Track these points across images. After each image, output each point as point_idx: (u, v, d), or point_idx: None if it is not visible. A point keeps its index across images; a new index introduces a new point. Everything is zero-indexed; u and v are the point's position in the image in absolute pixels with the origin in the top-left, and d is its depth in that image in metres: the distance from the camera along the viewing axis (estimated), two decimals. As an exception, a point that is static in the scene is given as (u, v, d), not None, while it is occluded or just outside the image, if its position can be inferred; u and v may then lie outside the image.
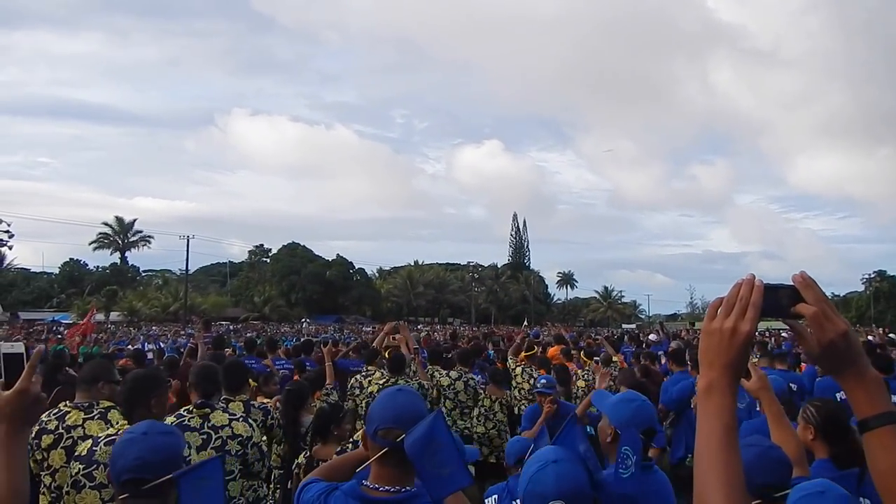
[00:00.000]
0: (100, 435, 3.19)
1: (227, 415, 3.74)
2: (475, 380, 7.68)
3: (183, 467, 2.04)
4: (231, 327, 43.97)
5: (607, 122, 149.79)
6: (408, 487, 1.95)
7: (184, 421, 3.60)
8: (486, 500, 3.73)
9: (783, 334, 23.41)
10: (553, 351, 11.10)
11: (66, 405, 3.61)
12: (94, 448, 3.08)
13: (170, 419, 3.60)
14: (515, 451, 3.71)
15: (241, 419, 3.78)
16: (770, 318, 1.17)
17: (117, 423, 3.50)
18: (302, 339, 16.66)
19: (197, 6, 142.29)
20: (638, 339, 18.11)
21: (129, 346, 19.61)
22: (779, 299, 1.16)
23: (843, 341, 1.13)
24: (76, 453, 3.13)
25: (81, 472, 3.03)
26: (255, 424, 3.87)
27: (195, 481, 1.88)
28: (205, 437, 3.57)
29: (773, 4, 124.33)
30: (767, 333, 26.68)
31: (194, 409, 3.67)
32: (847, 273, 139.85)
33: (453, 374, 7.59)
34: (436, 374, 7.79)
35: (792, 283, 1.16)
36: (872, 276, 72.98)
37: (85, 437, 3.41)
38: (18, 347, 1.77)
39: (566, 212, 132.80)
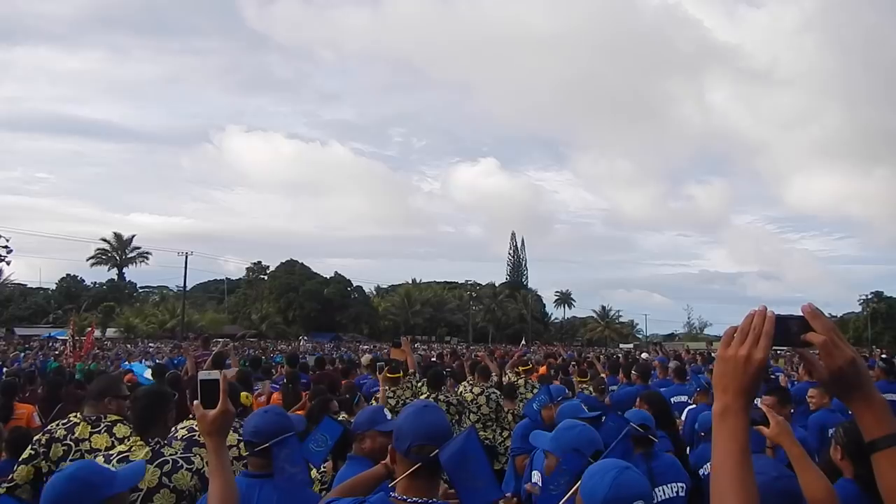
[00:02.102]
0: (111, 452, 3.18)
1: (236, 435, 3.76)
2: (497, 394, 7.84)
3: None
4: (233, 344, 43.80)
5: (604, 142, 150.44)
6: (434, 500, 2.05)
7: (195, 436, 3.62)
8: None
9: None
10: (542, 371, 11.73)
11: (75, 416, 3.62)
12: (106, 465, 3.08)
13: (182, 432, 3.63)
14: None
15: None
16: (781, 346, 1.25)
17: (123, 436, 3.51)
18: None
19: (196, 24, 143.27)
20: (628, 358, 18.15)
21: (127, 364, 19.55)
22: (789, 329, 1.23)
23: (852, 368, 1.21)
24: None
25: None
26: None
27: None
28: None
29: (770, 24, 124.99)
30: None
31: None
32: (844, 294, 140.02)
33: (476, 389, 7.77)
34: (460, 388, 8.04)
35: (801, 314, 1.23)
36: (870, 296, 73.10)
37: (91, 451, 3.43)
38: (214, 374, 2.08)
39: (563, 231, 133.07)
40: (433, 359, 18.35)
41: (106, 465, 2.42)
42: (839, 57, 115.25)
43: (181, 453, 3.20)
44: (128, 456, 3.08)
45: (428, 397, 6.89)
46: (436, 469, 2.03)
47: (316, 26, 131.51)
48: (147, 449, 3.11)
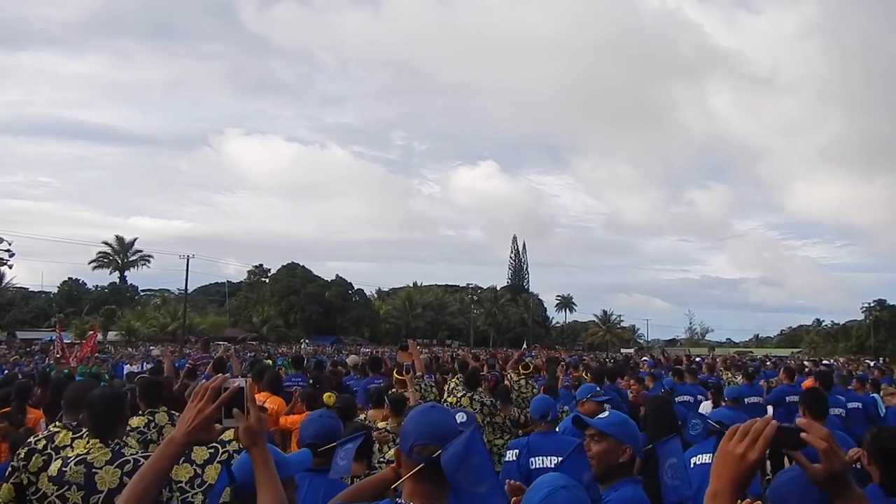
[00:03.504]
0: (69, 455, 3.13)
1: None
2: (489, 399, 7.80)
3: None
4: (234, 348, 43.80)
5: (605, 146, 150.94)
6: None
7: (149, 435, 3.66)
8: (506, 453, 4.46)
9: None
10: (545, 372, 11.76)
11: (55, 426, 3.52)
12: (64, 469, 3.05)
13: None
14: (540, 408, 4.73)
15: None
16: (780, 447, 1.42)
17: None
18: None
19: (198, 28, 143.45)
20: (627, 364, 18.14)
21: (128, 367, 19.55)
22: (789, 436, 1.41)
23: (845, 471, 1.42)
24: (49, 474, 3.08)
25: (55, 494, 3.01)
26: None
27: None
28: (212, 451, 3.64)
29: (771, 30, 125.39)
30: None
31: None
32: (847, 302, 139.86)
33: (459, 392, 7.70)
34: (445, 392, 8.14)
35: (799, 426, 1.42)
36: (872, 304, 72.60)
37: (71, 458, 3.40)
38: (239, 382, 1.97)
39: (564, 235, 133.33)
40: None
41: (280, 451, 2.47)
42: (841, 63, 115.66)
43: (141, 452, 3.23)
44: (86, 457, 3.08)
45: (464, 396, 7.17)
46: (441, 472, 1.88)
47: (316, 30, 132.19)
48: (107, 450, 3.13)
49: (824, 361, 30.08)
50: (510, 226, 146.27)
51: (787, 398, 8.76)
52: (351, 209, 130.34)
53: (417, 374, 8.24)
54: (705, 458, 4.70)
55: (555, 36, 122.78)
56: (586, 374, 10.79)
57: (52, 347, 18.34)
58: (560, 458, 4.24)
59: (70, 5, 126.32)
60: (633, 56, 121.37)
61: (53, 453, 3.41)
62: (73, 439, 3.49)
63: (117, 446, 3.16)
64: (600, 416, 2.91)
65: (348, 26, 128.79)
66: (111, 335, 57.67)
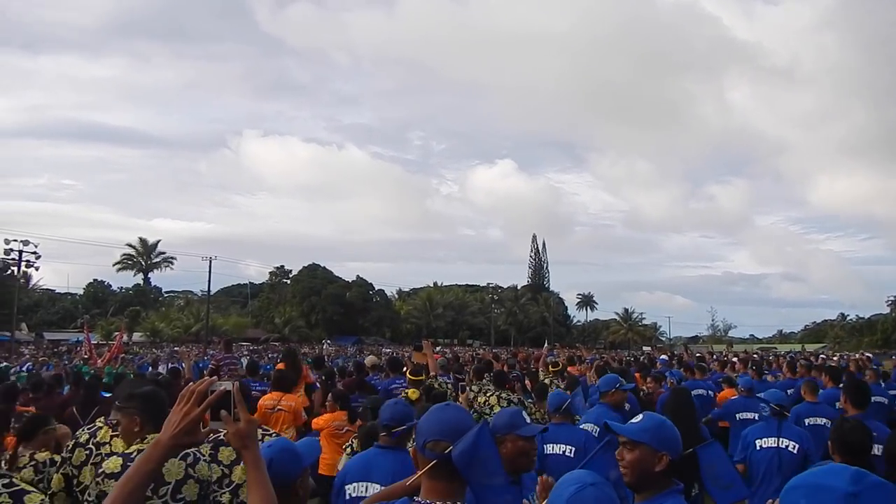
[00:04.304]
0: (129, 451, 3.22)
1: (260, 430, 3.84)
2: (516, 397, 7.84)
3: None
4: (254, 348, 44.24)
5: (623, 143, 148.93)
6: (459, 502, 1.96)
7: (221, 435, 3.72)
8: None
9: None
10: (571, 370, 11.99)
11: (100, 421, 3.70)
12: (128, 464, 3.12)
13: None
14: (555, 402, 5.02)
15: (273, 435, 3.91)
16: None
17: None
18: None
19: (213, 30, 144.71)
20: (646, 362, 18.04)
21: (151, 369, 19.83)
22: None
23: None
24: (108, 471, 3.16)
25: (104, 487, 3.06)
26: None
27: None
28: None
29: (789, 21, 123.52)
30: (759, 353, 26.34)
31: None
32: (871, 295, 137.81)
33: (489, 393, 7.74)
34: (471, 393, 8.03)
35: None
36: (897, 297, 71.69)
37: (111, 454, 3.47)
38: (227, 384, 1.99)
39: (583, 233, 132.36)
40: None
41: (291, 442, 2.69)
42: (861, 54, 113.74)
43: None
44: None
45: (492, 395, 7.24)
46: (454, 467, 1.91)
47: (331, 29, 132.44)
48: None
49: (819, 357, 29.71)
50: (529, 224, 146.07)
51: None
52: (369, 210, 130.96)
53: (431, 374, 8.31)
54: (770, 441, 5.23)
55: (569, 32, 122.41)
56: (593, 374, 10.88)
57: (78, 348, 18.67)
58: (573, 448, 4.62)
59: (88, 9, 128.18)
60: (649, 51, 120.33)
61: (94, 448, 3.54)
62: (111, 437, 3.61)
63: None
64: (634, 420, 2.70)
65: (362, 25, 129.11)
66: (136, 336, 58.48)
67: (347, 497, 3.70)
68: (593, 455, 2.20)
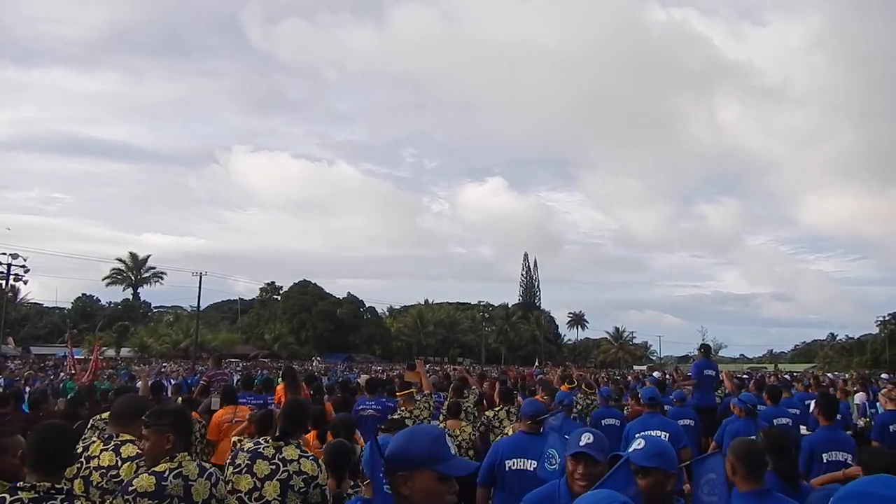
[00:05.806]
0: (161, 470, 3.14)
1: (298, 451, 3.87)
2: None
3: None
4: (244, 364, 43.91)
5: (614, 162, 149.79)
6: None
7: (259, 448, 3.84)
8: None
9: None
10: (564, 388, 11.92)
11: (93, 434, 3.70)
12: (163, 483, 3.06)
13: (248, 444, 3.93)
14: (531, 412, 4.94)
15: (310, 458, 3.89)
16: None
17: (128, 456, 3.56)
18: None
19: (206, 45, 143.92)
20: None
21: (127, 382, 19.61)
22: None
23: None
24: (140, 489, 3.05)
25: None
26: (322, 465, 3.96)
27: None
28: (274, 467, 3.75)
29: (780, 41, 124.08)
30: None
31: (271, 440, 3.91)
32: (861, 315, 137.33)
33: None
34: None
35: None
36: (887, 318, 71.85)
37: (98, 468, 3.51)
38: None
39: (574, 251, 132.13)
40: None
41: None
42: (852, 74, 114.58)
43: (212, 466, 3.43)
44: (181, 471, 3.15)
45: (501, 410, 7.54)
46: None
47: (322, 46, 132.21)
48: (195, 463, 3.27)
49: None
50: (520, 243, 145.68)
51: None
52: (361, 226, 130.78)
53: (425, 392, 8.35)
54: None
55: (560, 50, 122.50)
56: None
57: (64, 363, 18.49)
58: (534, 461, 4.42)
59: (81, 23, 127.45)
60: (640, 69, 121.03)
61: (84, 462, 3.55)
62: (101, 451, 3.60)
63: (199, 460, 3.39)
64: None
65: (354, 42, 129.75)
66: (124, 351, 57.99)
67: (507, 469, 4.58)
68: (610, 474, 2.24)
